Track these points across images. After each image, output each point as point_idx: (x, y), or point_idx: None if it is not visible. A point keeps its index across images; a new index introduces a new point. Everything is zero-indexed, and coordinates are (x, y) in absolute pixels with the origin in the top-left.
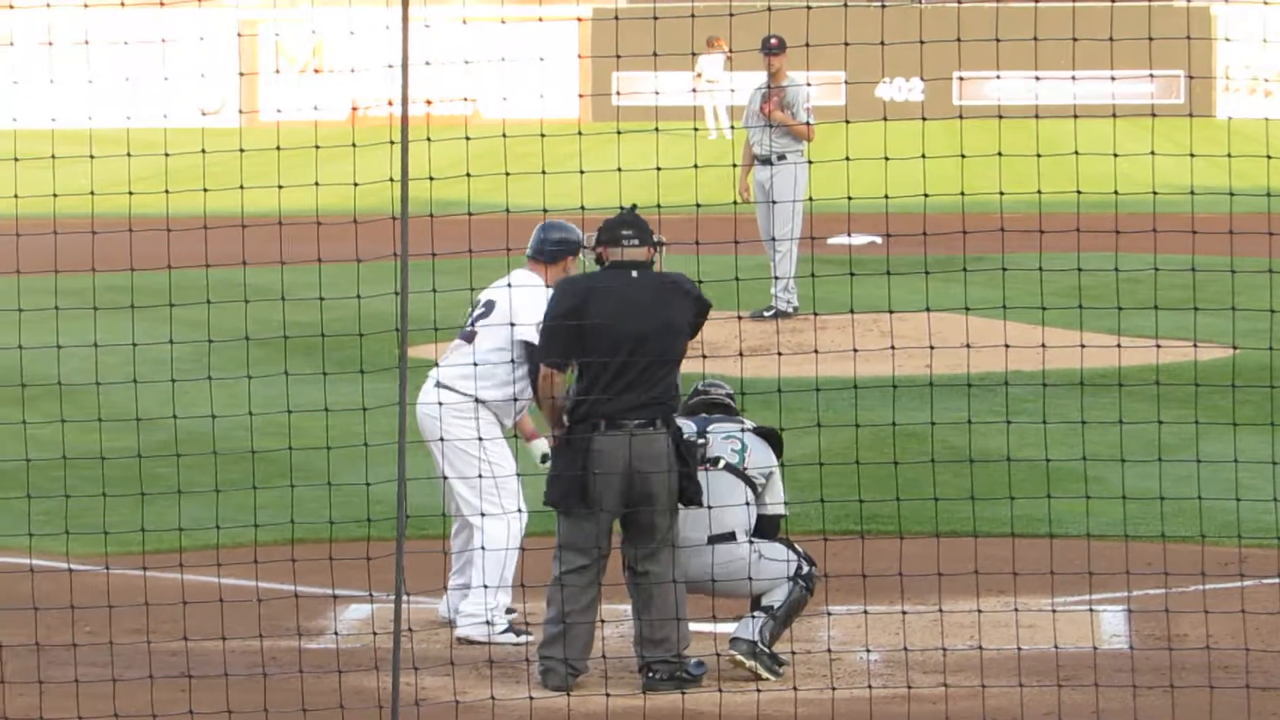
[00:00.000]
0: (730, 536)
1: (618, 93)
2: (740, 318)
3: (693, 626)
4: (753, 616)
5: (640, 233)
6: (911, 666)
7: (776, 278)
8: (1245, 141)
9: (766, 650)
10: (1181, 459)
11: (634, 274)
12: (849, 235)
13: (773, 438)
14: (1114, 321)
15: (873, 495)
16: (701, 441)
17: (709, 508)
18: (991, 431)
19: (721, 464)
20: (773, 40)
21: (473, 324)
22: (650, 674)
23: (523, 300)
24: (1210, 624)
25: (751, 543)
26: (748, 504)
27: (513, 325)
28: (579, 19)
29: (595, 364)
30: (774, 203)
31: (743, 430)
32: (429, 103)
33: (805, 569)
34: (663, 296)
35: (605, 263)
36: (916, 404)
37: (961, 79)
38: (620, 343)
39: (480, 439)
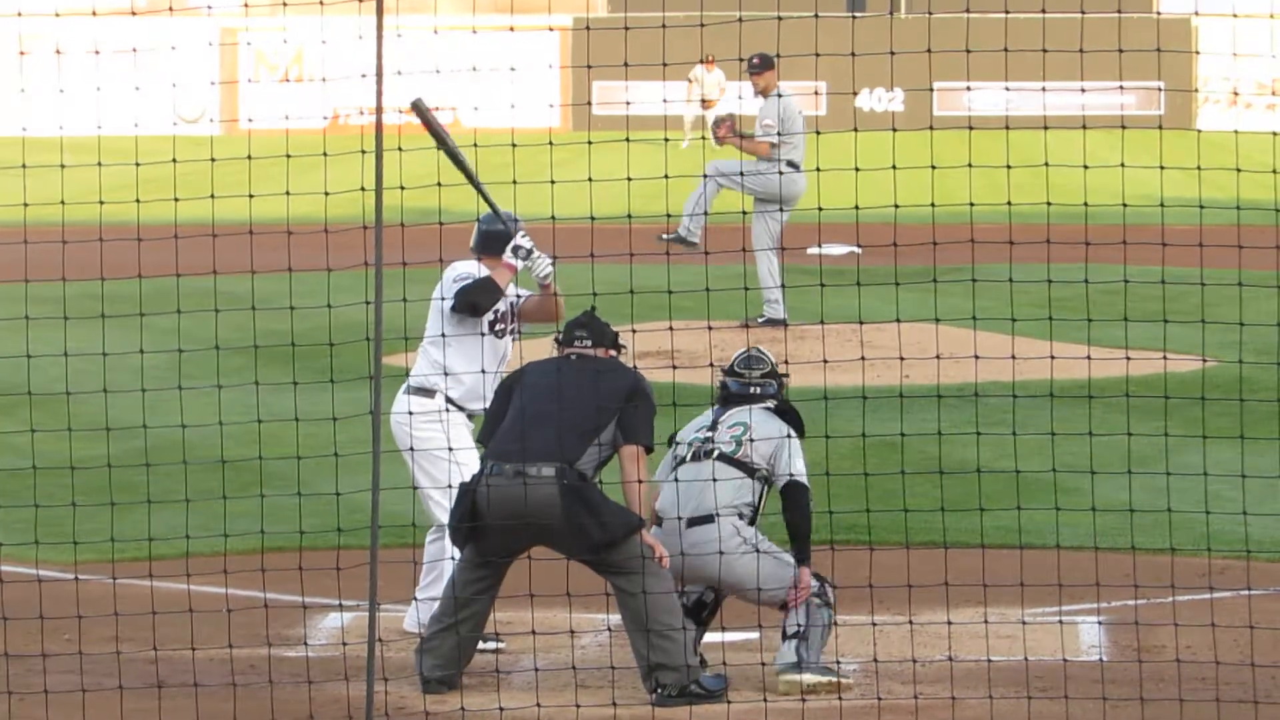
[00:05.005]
0: (708, 519)
1: (588, 102)
2: (711, 327)
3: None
4: (784, 644)
5: (594, 334)
6: (883, 677)
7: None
8: (1222, 154)
9: (815, 663)
10: (1152, 471)
11: (573, 357)
12: (819, 246)
13: (790, 414)
14: (1084, 332)
15: (844, 506)
16: (710, 435)
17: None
18: (963, 442)
19: (715, 454)
20: (755, 59)
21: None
22: (659, 690)
23: (445, 277)
24: (1180, 636)
25: (740, 530)
26: (738, 492)
27: (442, 299)
28: (550, 28)
29: (506, 412)
30: (745, 214)
31: (758, 409)
32: (406, 111)
33: (819, 585)
34: (591, 372)
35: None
36: (889, 415)
37: (935, 90)
38: (528, 400)
39: (451, 448)
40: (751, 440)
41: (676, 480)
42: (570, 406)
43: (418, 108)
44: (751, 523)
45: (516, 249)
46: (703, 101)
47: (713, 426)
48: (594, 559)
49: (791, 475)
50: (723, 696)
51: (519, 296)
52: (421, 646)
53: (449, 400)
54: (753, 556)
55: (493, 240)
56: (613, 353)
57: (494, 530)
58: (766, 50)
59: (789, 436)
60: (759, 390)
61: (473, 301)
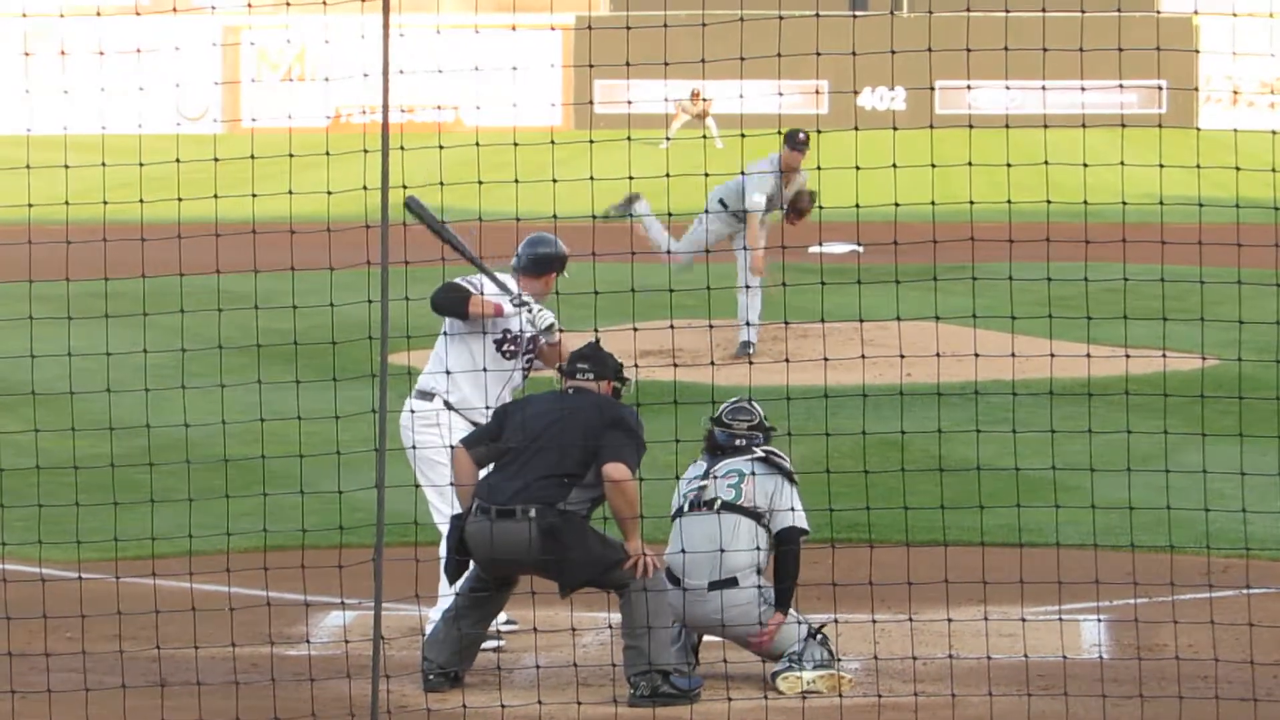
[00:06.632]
0: (732, 582)
1: (590, 101)
2: (713, 326)
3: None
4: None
5: (596, 366)
6: (883, 675)
7: (748, 323)
8: (1222, 152)
9: (812, 661)
10: (1152, 469)
11: (569, 393)
12: (820, 244)
13: (780, 465)
14: (1084, 331)
15: (844, 504)
16: (704, 484)
17: (720, 550)
18: (963, 440)
19: (718, 504)
20: (800, 136)
21: None
22: (632, 690)
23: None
24: (1180, 634)
25: (760, 588)
26: (758, 548)
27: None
28: (552, 26)
29: (499, 455)
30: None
31: (750, 460)
32: (410, 110)
33: (820, 635)
34: (579, 408)
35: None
36: (889, 413)
37: (936, 89)
38: (520, 440)
39: (450, 446)
40: (751, 484)
41: (681, 532)
42: (555, 449)
43: (412, 207)
44: (761, 571)
45: (514, 298)
46: (702, 112)
47: (705, 476)
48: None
49: (791, 521)
50: (695, 696)
51: (532, 332)
52: (426, 643)
53: (448, 405)
54: (770, 617)
55: (536, 263)
56: (615, 384)
57: (484, 566)
58: (767, 48)
59: (786, 479)
60: (744, 442)
61: (435, 297)
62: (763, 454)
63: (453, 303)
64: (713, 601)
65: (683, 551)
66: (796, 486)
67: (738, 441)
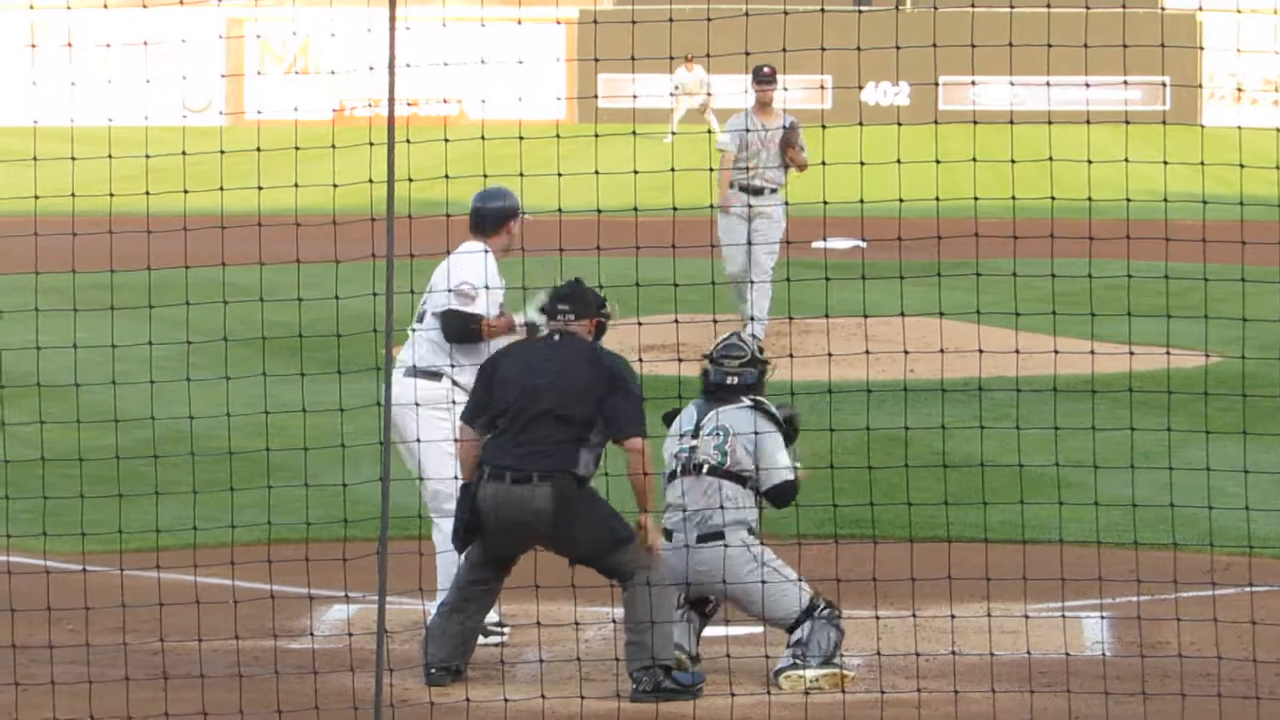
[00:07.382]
0: (719, 535)
1: (595, 95)
2: (716, 321)
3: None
4: (785, 650)
5: (577, 306)
6: (886, 671)
7: (754, 318)
8: (1225, 149)
9: (817, 656)
10: (1155, 466)
11: (555, 338)
12: (824, 240)
13: (769, 413)
14: (1088, 327)
15: (848, 500)
16: (694, 444)
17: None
18: (966, 437)
19: (705, 469)
20: (765, 70)
21: (422, 305)
22: (634, 684)
23: (453, 264)
24: (1183, 631)
25: (749, 546)
26: (742, 508)
27: (432, 292)
28: (557, 20)
29: (495, 415)
30: (753, 244)
31: (736, 409)
32: (415, 103)
33: (823, 605)
34: (572, 363)
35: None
36: (893, 409)
37: (940, 84)
38: (516, 398)
39: (457, 440)
40: (734, 444)
41: (679, 493)
42: (559, 411)
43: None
44: (754, 531)
45: (534, 322)
46: (703, 106)
47: (694, 434)
48: (586, 563)
49: (773, 480)
50: (697, 691)
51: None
52: (425, 638)
53: (455, 384)
54: (761, 578)
55: (486, 218)
56: (600, 320)
57: (493, 534)
58: (770, 47)
59: (767, 420)
60: (737, 380)
61: (448, 333)
62: (750, 403)
63: (468, 334)
64: (701, 553)
65: (682, 519)
66: (780, 433)
67: (729, 380)
